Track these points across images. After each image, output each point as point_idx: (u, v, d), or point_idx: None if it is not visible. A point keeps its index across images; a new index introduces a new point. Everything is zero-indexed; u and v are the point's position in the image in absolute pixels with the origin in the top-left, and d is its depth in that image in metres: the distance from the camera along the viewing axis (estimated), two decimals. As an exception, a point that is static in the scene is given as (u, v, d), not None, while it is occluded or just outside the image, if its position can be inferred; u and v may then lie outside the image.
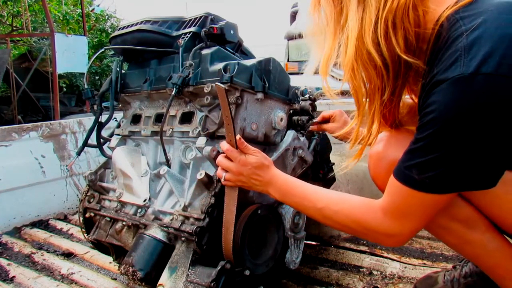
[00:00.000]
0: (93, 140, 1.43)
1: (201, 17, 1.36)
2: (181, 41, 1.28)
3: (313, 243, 1.74)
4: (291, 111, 1.38)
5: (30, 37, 7.04)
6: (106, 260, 1.61)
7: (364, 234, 0.90)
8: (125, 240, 1.28)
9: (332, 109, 1.48)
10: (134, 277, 1.10)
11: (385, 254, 1.59)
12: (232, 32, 1.34)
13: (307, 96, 1.42)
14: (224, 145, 1.05)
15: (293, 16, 4.09)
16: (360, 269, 1.50)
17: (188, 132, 1.24)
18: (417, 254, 1.59)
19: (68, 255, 1.73)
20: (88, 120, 2.46)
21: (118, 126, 1.50)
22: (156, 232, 1.16)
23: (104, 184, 1.42)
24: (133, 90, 1.43)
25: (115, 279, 1.50)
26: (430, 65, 0.76)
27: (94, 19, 8.95)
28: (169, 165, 1.28)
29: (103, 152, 1.46)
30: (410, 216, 0.82)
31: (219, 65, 1.18)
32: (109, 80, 1.44)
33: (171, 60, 1.34)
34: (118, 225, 1.30)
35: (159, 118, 1.36)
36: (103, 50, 1.56)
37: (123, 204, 1.31)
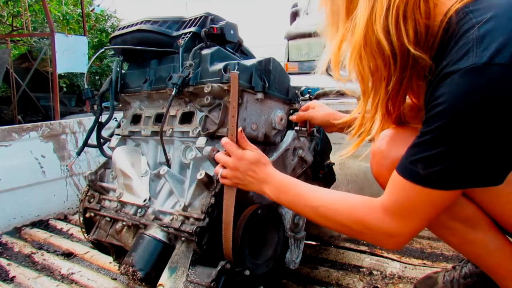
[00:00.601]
0: (93, 140, 1.43)
1: (201, 17, 1.36)
2: (181, 41, 1.28)
3: (313, 243, 1.74)
4: (291, 111, 1.38)
5: (30, 37, 7.04)
6: (106, 260, 1.61)
7: (363, 234, 0.86)
8: (125, 240, 1.28)
9: (334, 109, 1.48)
10: (134, 277, 1.10)
11: (385, 254, 1.59)
12: (232, 32, 1.34)
13: (307, 96, 1.42)
14: (224, 139, 1.04)
15: (293, 16, 4.09)
16: (360, 269, 1.50)
17: (188, 132, 1.24)
18: (417, 254, 1.59)
19: (68, 255, 1.73)
20: (88, 120, 2.46)
21: (118, 126, 1.50)
22: (156, 232, 1.16)
23: (104, 184, 1.42)
24: (133, 90, 1.43)
25: (115, 279, 1.50)
26: (437, 60, 0.74)
27: (94, 19, 8.94)
28: (169, 165, 1.28)
29: (103, 152, 1.46)
30: (412, 215, 0.78)
31: (219, 65, 1.18)
32: (109, 80, 1.44)
33: (171, 60, 1.35)
34: (118, 225, 1.30)
35: (159, 118, 1.36)
36: (103, 50, 1.56)
37: (123, 204, 1.31)
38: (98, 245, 1.43)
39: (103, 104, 1.43)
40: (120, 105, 1.50)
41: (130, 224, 1.24)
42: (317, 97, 1.58)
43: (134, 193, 1.27)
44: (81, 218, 1.41)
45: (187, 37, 1.31)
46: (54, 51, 5.22)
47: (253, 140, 1.22)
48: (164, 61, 1.38)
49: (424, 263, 1.51)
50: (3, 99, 6.90)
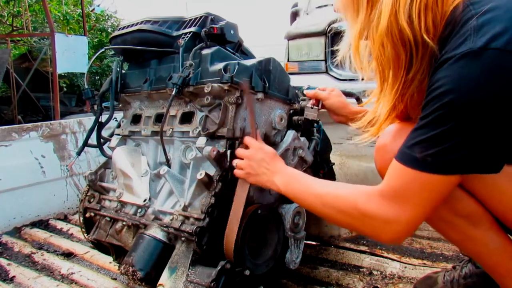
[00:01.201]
0: (93, 140, 1.43)
1: (201, 17, 1.36)
2: (181, 41, 1.28)
3: (313, 243, 1.74)
4: (291, 111, 1.38)
5: (30, 37, 7.04)
6: (106, 260, 1.61)
7: (361, 222, 0.85)
8: (125, 240, 1.28)
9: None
10: (134, 277, 1.10)
11: (385, 254, 1.59)
12: (232, 32, 1.34)
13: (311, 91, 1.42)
14: (247, 138, 1.15)
15: (293, 16, 4.09)
16: (360, 269, 1.50)
17: (188, 132, 1.24)
18: (417, 254, 1.59)
19: (68, 255, 1.73)
20: (88, 120, 2.46)
21: (118, 126, 1.50)
22: (156, 232, 1.16)
23: (104, 184, 1.42)
24: (133, 90, 1.43)
25: (115, 279, 1.50)
26: (441, 51, 0.75)
27: (94, 19, 8.94)
28: (169, 165, 1.28)
29: (103, 152, 1.46)
30: (408, 200, 0.77)
31: (219, 65, 1.18)
32: (109, 80, 1.44)
33: (171, 60, 1.35)
34: (118, 225, 1.30)
35: (159, 118, 1.36)
36: (103, 50, 1.56)
37: (123, 204, 1.31)
38: (98, 245, 1.43)
39: (103, 104, 1.43)
40: (120, 105, 1.50)
41: (130, 224, 1.24)
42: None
43: (134, 193, 1.27)
44: (81, 218, 1.41)
45: (187, 37, 1.31)
46: (54, 51, 5.22)
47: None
48: (164, 61, 1.38)
49: (424, 263, 1.51)
50: (3, 99, 6.90)
